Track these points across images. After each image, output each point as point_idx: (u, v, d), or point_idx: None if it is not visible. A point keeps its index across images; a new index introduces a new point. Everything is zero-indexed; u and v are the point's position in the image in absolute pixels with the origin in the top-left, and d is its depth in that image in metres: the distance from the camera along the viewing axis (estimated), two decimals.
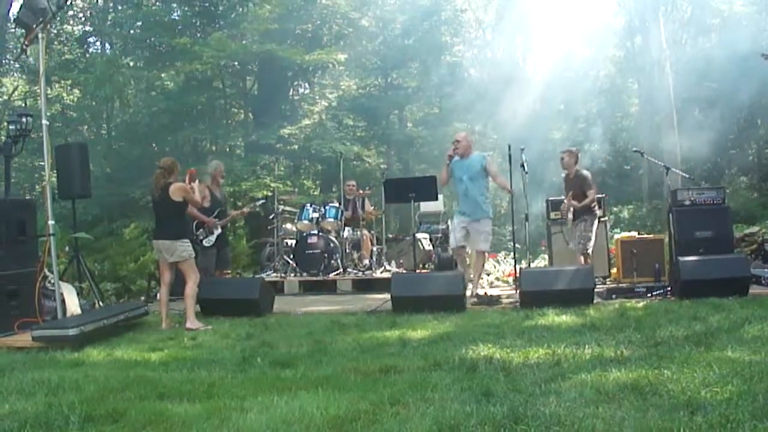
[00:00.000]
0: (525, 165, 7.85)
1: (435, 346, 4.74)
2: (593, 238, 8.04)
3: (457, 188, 8.09)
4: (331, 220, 9.73)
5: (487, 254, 8.28)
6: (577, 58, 21.74)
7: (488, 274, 10.74)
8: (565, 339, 4.72)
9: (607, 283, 8.82)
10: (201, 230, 7.83)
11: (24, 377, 4.14)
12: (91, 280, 7.73)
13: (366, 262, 9.85)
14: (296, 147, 17.24)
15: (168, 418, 3.15)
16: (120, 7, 17.50)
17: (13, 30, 15.81)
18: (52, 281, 6.30)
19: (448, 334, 5.24)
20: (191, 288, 6.46)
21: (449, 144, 8.47)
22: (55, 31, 17.01)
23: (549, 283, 6.76)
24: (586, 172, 8.19)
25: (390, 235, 11.19)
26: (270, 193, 13.33)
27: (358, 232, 10.04)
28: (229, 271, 10.77)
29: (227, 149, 17.56)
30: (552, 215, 9.27)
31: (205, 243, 7.83)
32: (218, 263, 8.25)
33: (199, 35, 16.51)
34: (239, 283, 8.06)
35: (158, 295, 7.20)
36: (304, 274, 9.58)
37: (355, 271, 9.60)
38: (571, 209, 8.06)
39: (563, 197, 8.49)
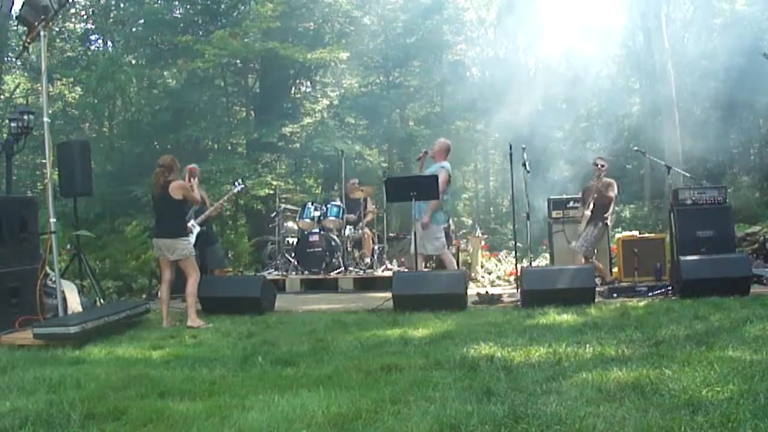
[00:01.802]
0: (527, 164, 7.85)
1: (436, 345, 4.75)
2: (597, 244, 8.32)
3: None
4: (333, 218, 9.73)
5: (435, 256, 8.18)
6: (578, 57, 21.70)
7: (489, 273, 10.75)
8: (567, 338, 4.72)
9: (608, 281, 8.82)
10: None
11: (25, 375, 4.15)
12: (93, 277, 7.73)
13: (367, 260, 9.85)
14: (298, 145, 17.26)
15: (169, 417, 3.16)
16: (122, 5, 17.52)
17: (15, 27, 15.81)
18: (54, 279, 6.31)
19: (449, 332, 5.25)
20: (192, 286, 6.46)
21: (451, 143, 8.52)
22: (57, 29, 17.03)
23: (550, 282, 6.75)
24: (611, 179, 8.52)
25: (391, 234, 11.18)
26: (272, 192, 13.36)
27: (360, 231, 10.04)
28: (230, 269, 10.78)
29: (229, 147, 17.57)
30: (554, 214, 9.24)
31: None
32: (208, 262, 8.27)
33: (201, 33, 16.52)
34: (241, 282, 8.07)
35: (159, 293, 7.20)
36: (306, 272, 9.58)
37: (356, 270, 9.60)
38: (590, 209, 8.27)
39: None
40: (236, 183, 8.73)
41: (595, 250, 8.42)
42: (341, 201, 10.20)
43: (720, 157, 17.64)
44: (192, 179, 6.85)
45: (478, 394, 3.34)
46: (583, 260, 8.04)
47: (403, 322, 5.92)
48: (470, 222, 21.27)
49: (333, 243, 9.56)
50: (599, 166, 8.45)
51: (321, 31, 17.41)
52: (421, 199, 7.49)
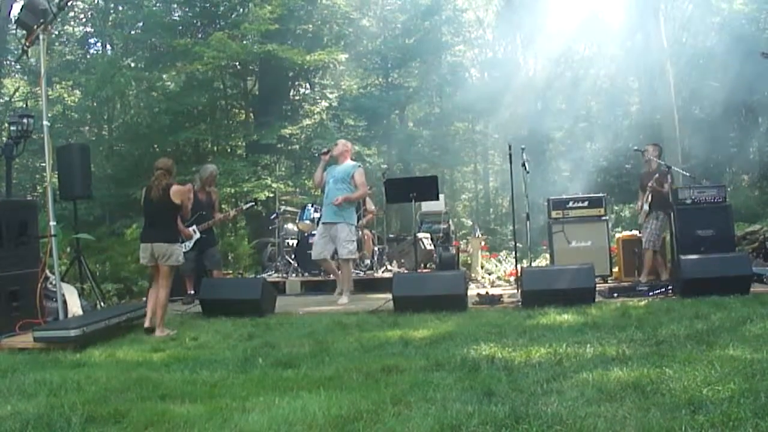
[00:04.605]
0: (526, 164, 7.85)
1: (437, 346, 4.74)
2: (661, 235, 8.38)
3: (324, 192, 8.17)
4: None
5: (351, 262, 8.09)
6: (577, 57, 21.72)
7: (490, 274, 10.75)
8: (567, 338, 4.72)
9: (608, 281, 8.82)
10: None
11: (26, 378, 4.15)
12: (93, 280, 7.73)
13: (367, 262, 9.83)
14: (297, 147, 17.27)
15: (170, 419, 3.16)
16: (121, 8, 17.53)
17: (14, 31, 15.83)
18: (54, 282, 6.31)
19: (449, 333, 5.24)
20: (166, 297, 6.22)
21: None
22: (56, 32, 17.05)
23: (550, 283, 6.75)
24: (666, 168, 8.32)
25: (391, 235, 11.19)
26: (271, 194, 13.36)
27: (360, 232, 10.03)
28: (230, 272, 10.78)
29: (228, 150, 17.57)
30: (553, 214, 9.23)
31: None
32: (207, 263, 8.29)
33: (199, 36, 16.53)
34: (241, 284, 8.06)
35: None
36: (306, 274, 9.58)
37: (356, 271, 9.58)
38: (648, 203, 8.27)
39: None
40: (249, 201, 9.20)
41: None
42: None
43: (719, 155, 17.63)
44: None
45: (478, 395, 3.34)
46: (650, 257, 8.22)
47: (403, 323, 5.92)
48: (470, 223, 21.28)
49: None
50: (646, 151, 8.45)
51: (320, 33, 17.41)
52: (421, 200, 7.48)
